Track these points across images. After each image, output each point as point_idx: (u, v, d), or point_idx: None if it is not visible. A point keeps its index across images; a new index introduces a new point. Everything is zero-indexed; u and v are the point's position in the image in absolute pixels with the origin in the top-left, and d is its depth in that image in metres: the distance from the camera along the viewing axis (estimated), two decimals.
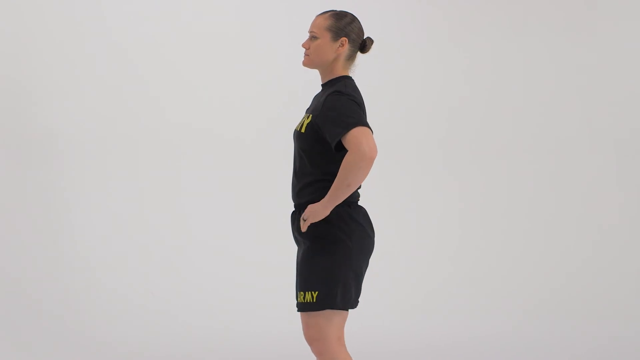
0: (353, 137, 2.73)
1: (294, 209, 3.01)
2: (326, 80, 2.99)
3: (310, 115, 2.91)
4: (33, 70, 5.11)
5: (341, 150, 2.80)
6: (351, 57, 2.98)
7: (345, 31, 2.93)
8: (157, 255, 5.20)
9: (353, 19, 2.97)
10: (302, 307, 2.89)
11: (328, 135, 2.80)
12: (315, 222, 2.85)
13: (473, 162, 5.57)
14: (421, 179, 5.50)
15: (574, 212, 5.56)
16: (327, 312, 2.86)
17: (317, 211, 2.82)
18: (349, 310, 2.93)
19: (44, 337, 4.73)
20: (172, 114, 5.29)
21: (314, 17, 3.00)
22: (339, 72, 2.96)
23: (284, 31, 5.31)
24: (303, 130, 2.91)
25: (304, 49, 2.98)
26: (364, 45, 2.99)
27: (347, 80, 2.95)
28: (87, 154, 5.18)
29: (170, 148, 5.29)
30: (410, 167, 5.49)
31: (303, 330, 2.94)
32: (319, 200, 2.86)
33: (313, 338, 2.89)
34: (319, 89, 3.06)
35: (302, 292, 2.88)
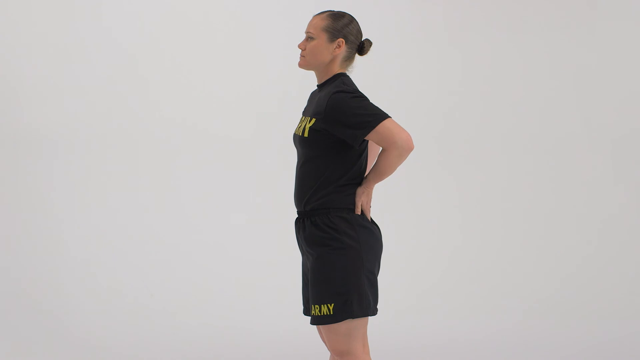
0: (384, 134, 2.70)
1: (297, 217, 2.92)
2: (323, 81, 2.90)
3: (313, 118, 2.80)
4: (32, 70, 5.12)
5: (362, 144, 2.79)
6: (349, 59, 2.89)
7: (343, 32, 2.83)
8: (157, 255, 5.20)
9: (351, 19, 2.87)
10: (318, 320, 2.78)
11: (347, 137, 2.71)
12: (321, 232, 2.78)
13: (471, 160, 5.56)
14: (419, 179, 5.48)
15: (573, 211, 5.55)
16: (348, 323, 2.77)
17: (365, 193, 2.82)
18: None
19: (44, 337, 4.74)
20: (171, 113, 5.30)
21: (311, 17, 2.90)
22: (335, 72, 2.88)
23: (283, 31, 5.30)
24: (306, 134, 2.81)
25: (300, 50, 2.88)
26: (362, 47, 2.89)
27: (344, 78, 2.86)
28: (86, 154, 5.19)
29: (170, 147, 5.29)
30: (408, 166, 5.42)
31: (328, 344, 2.85)
32: (326, 208, 2.79)
33: (341, 352, 2.81)
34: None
35: (316, 306, 2.78)
